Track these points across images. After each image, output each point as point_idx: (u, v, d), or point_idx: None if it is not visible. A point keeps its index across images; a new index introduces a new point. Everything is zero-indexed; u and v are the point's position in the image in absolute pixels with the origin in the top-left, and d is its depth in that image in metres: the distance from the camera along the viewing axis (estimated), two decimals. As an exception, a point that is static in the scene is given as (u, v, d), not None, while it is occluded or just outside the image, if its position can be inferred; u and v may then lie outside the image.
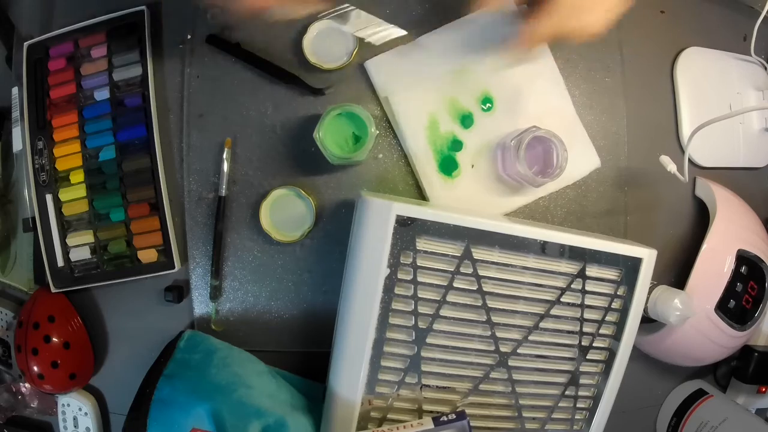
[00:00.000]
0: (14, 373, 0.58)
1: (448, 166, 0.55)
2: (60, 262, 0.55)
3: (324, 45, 0.55)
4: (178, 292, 0.55)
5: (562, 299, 0.49)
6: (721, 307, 0.54)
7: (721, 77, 0.62)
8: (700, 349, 0.56)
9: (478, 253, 0.47)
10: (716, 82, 0.62)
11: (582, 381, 0.52)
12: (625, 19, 0.57)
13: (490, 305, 0.48)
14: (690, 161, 0.59)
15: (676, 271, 0.61)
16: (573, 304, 0.50)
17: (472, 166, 0.56)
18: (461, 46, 0.56)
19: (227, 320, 0.56)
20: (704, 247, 0.54)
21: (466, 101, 0.56)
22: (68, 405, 0.57)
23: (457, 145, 0.56)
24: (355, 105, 0.51)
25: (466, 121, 0.56)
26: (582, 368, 0.51)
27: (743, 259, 0.54)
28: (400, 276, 0.46)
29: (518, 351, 0.49)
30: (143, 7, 0.55)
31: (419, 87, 0.55)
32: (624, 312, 0.51)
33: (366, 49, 0.56)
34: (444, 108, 0.55)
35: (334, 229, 0.56)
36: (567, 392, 0.52)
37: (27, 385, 0.58)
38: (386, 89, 0.55)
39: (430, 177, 0.55)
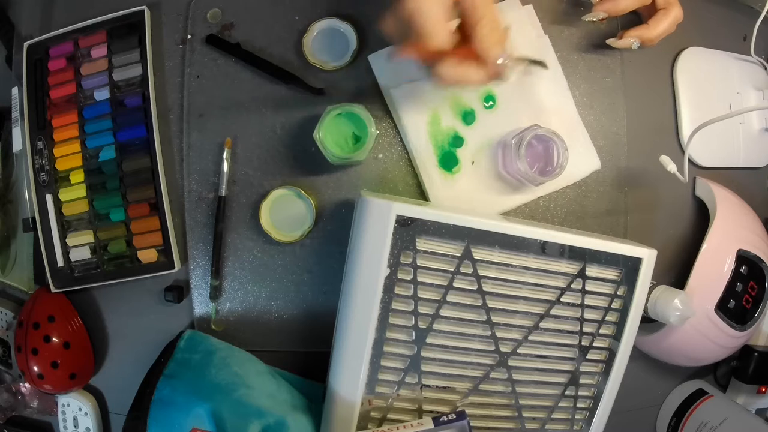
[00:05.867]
0: (14, 373, 0.58)
1: (448, 161, 0.55)
2: (60, 262, 0.55)
3: (324, 45, 0.55)
4: (178, 292, 0.55)
5: (562, 299, 0.49)
6: (721, 307, 0.54)
7: (721, 77, 0.62)
8: (700, 349, 0.56)
9: (478, 253, 0.47)
10: (716, 82, 0.62)
11: (582, 381, 0.52)
12: (625, 19, 0.58)
13: (490, 305, 0.48)
14: (690, 161, 0.59)
15: (676, 271, 0.61)
16: (573, 304, 0.50)
17: (473, 162, 0.56)
18: None
19: (227, 320, 0.56)
20: (704, 247, 0.54)
21: (468, 98, 0.56)
22: (68, 405, 0.57)
23: (458, 141, 0.56)
24: (355, 105, 0.51)
25: (467, 117, 0.56)
26: (582, 368, 0.51)
27: (743, 259, 0.54)
28: (400, 276, 0.46)
29: (518, 351, 0.49)
30: (143, 7, 0.55)
31: (422, 82, 0.55)
32: (624, 312, 0.51)
33: (367, 49, 0.56)
34: (446, 103, 0.55)
35: (334, 229, 0.56)
36: (567, 392, 0.52)
37: (27, 385, 0.58)
38: (389, 83, 0.55)
39: (430, 172, 0.55)
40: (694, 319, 0.53)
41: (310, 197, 0.54)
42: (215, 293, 0.55)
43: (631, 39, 0.55)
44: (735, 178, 0.63)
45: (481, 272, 0.47)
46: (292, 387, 0.53)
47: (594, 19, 0.55)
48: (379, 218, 0.45)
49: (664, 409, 0.63)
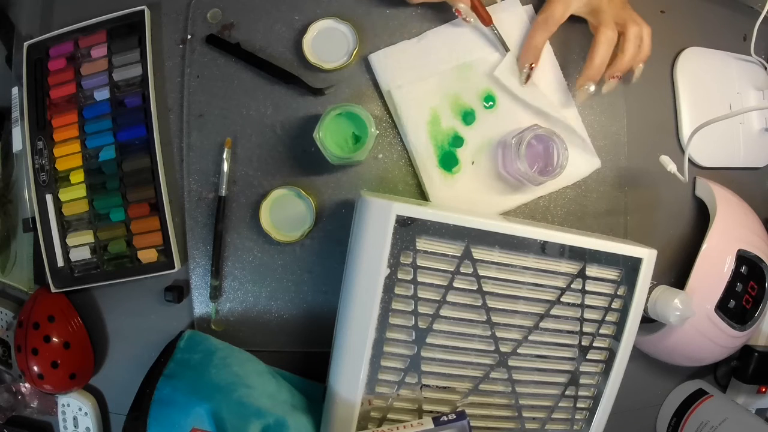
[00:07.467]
0: (14, 373, 0.58)
1: (448, 161, 0.55)
2: (60, 262, 0.55)
3: (324, 45, 0.55)
4: (178, 292, 0.55)
5: (562, 299, 0.49)
6: (721, 307, 0.54)
7: (721, 77, 0.62)
8: (700, 349, 0.56)
9: (478, 253, 0.47)
10: (716, 82, 0.62)
11: (582, 381, 0.52)
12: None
13: (490, 305, 0.48)
14: (690, 161, 0.59)
15: (676, 271, 0.61)
16: (573, 304, 0.50)
17: (473, 162, 0.56)
18: (465, 43, 0.56)
19: (227, 320, 0.56)
20: (704, 247, 0.54)
21: (468, 98, 0.56)
22: (68, 405, 0.57)
23: (458, 141, 0.56)
24: (355, 105, 0.51)
25: (467, 117, 0.56)
26: (582, 368, 0.51)
27: (743, 259, 0.54)
28: (400, 276, 0.46)
29: (518, 351, 0.49)
30: (143, 7, 0.55)
31: (422, 81, 0.55)
32: (624, 312, 0.51)
33: (367, 49, 0.56)
34: (446, 103, 0.55)
35: (334, 229, 0.56)
36: (567, 392, 0.52)
37: (27, 385, 0.58)
38: (389, 83, 0.55)
39: (430, 172, 0.55)
40: (694, 319, 0.53)
41: (310, 197, 0.54)
42: (215, 293, 0.55)
43: (584, 86, 0.54)
44: (735, 178, 0.63)
45: (481, 272, 0.47)
46: (292, 387, 0.53)
47: (524, 69, 0.54)
48: (379, 218, 0.45)
49: (664, 409, 0.63)
